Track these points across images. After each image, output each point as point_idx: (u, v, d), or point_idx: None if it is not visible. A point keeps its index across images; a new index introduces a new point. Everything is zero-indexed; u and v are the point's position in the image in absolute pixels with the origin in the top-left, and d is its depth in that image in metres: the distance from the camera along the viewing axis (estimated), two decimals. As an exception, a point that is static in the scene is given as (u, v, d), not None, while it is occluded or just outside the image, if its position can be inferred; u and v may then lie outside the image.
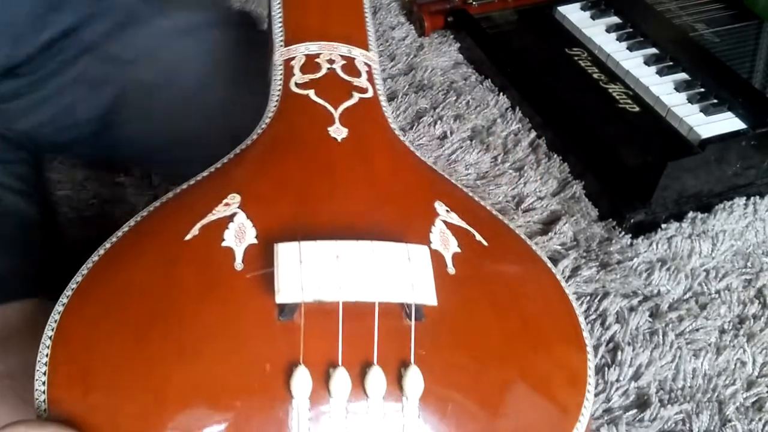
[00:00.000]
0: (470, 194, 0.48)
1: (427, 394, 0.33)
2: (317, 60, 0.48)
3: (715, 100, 0.87)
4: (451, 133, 0.94)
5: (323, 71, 0.48)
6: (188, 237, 0.37)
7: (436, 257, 0.37)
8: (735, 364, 0.69)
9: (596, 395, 0.65)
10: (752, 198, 0.85)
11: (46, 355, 0.35)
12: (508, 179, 0.88)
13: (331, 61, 0.48)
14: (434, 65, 1.06)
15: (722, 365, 0.69)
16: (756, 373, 0.69)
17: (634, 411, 0.65)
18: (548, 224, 0.83)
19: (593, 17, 1.03)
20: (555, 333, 0.41)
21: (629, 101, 0.91)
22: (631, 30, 0.99)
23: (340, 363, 0.33)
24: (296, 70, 0.48)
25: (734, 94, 0.87)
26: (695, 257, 0.78)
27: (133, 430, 0.32)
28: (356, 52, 0.50)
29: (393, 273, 0.34)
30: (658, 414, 0.64)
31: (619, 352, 0.68)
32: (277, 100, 0.47)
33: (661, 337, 0.70)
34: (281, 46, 0.49)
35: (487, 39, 1.05)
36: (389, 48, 1.09)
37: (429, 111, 0.97)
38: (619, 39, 0.99)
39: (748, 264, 0.79)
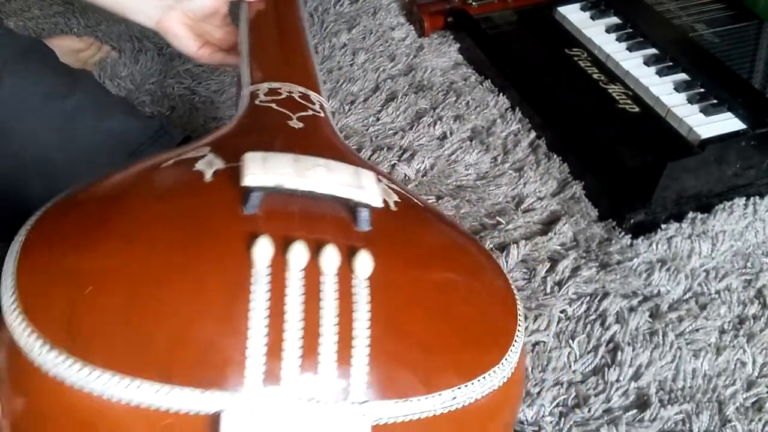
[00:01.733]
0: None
1: (376, 276, 0.37)
2: (279, 90, 0.55)
3: (715, 101, 0.87)
4: (451, 134, 0.94)
5: (283, 95, 0.54)
6: (163, 165, 0.43)
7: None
8: (735, 365, 0.69)
9: (596, 395, 0.65)
10: (752, 198, 0.85)
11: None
12: (508, 179, 0.88)
13: (289, 92, 0.55)
14: (434, 66, 1.06)
15: (722, 365, 0.69)
16: (756, 373, 0.69)
17: (634, 411, 0.65)
18: (548, 224, 0.83)
19: (593, 18, 1.03)
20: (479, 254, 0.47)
21: (629, 102, 0.91)
22: (631, 30, 0.99)
23: (297, 237, 0.36)
24: (260, 94, 0.54)
25: (734, 94, 0.87)
26: (695, 257, 0.78)
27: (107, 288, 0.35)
28: (311, 93, 0.56)
29: (345, 178, 0.39)
30: (658, 414, 0.64)
31: (619, 352, 0.68)
32: (243, 112, 0.53)
33: (661, 337, 0.70)
34: (248, 84, 0.57)
35: (487, 39, 1.05)
36: (389, 48, 1.09)
37: (429, 111, 0.98)
38: (619, 39, 0.99)
39: (748, 264, 0.79)
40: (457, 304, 0.40)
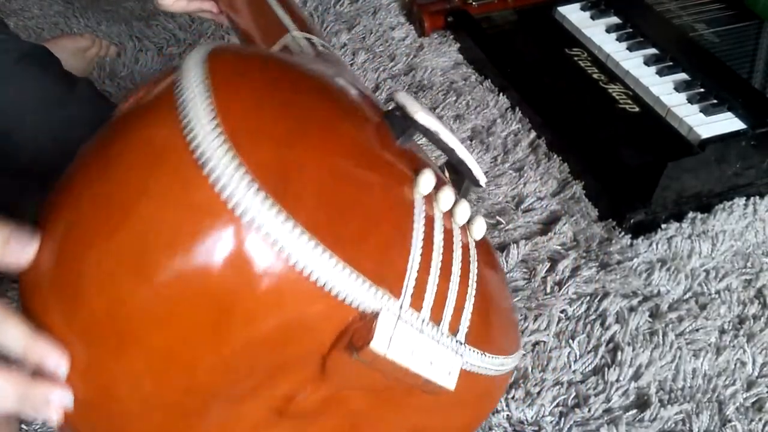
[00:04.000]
0: None
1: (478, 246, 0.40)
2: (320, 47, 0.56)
3: (715, 100, 0.87)
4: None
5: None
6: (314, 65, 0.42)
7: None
8: (735, 364, 0.69)
9: (596, 395, 0.65)
10: (752, 198, 0.85)
11: None
12: (508, 179, 0.88)
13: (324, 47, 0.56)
14: (434, 65, 1.06)
15: (722, 365, 0.69)
16: (756, 373, 0.69)
17: (634, 411, 0.65)
18: (548, 224, 0.83)
19: (593, 17, 1.03)
20: None
21: (629, 101, 0.91)
22: (631, 30, 0.99)
23: (446, 183, 0.39)
24: (317, 45, 0.55)
25: (734, 94, 0.87)
26: (695, 257, 0.78)
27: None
28: None
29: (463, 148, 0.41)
30: (658, 414, 0.64)
31: (619, 352, 0.68)
32: (313, 52, 0.53)
33: (661, 337, 0.70)
34: (295, 29, 0.57)
35: (487, 39, 1.05)
36: (389, 48, 1.09)
37: (429, 111, 0.97)
38: (619, 39, 0.99)
39: (748, 264, 0.79)
40: (506, 293, 0.45)
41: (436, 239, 0.36)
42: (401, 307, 0.34)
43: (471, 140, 0.93)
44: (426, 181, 0.36)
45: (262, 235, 0.29)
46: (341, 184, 0.33)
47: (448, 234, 0.38)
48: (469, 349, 0.38)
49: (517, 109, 0.97)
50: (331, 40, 1.09)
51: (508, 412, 0.64)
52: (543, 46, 1.02)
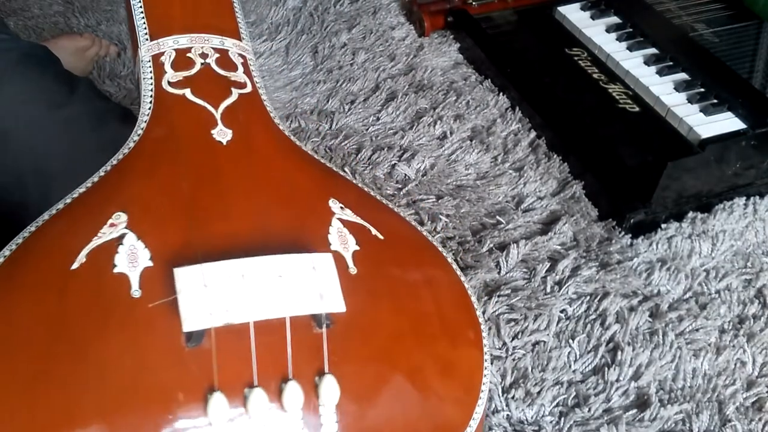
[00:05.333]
0: (359, 185, 0.46)
1: (343, 399, 0.33)
2: (189, 55, 0.45)
3: (715, 100, 0.87)
4: (451, 133, 0.94)
5: (197, 67, 0.45)
6: (75, 266, 0.35)
7: (338, 258, 0.36)
8: (735, 364, 0.69)
9: (596, 395, 0.65)
10: (752, 198, 0.85)
11: None
12: (508, 179, 0.88)
13: (204, 56, 0.45)
14: (434, 65, 1.06)
15: (722, 365, 0.69)
16: (756, 373, 0.69)
17: (634, 411, 0.65)
18: (548, 224, 0.83)
19: (593, 17, 1.03)
20: (453, 325, 0.41)
21: (629, 101, 0.91)
22: (631, 30, 0.99)
23: (256, 383, 0.31)
24: (167, 67, 0.45)
25: (734, 94, 0.87)
26: (695, 257, 0.78)
27: None
28: (229, 43, 0.47)
29: (300, 286, 0.33)
30: (658, 414, 0.64)
31: (619, 352, 0.68)
32: (150, 102, 0.43)
33: (661, 337, 0.70)
34: (147, 40, 0.46)
35: (487, 39, 1.05)
36: (389, 48, 1.09)
37: (429, 111, 0.97)
38: (619, 39, 0.99)
39: (748, 264, 0.79)
40: (409, 402, 0.37)
41: None
42: None
43: (471, 140, 0.93)
44: (216, 407, 0.31)
45: None
46: None
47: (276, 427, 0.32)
48: None
49: (517, 109, 0.97)
50: (331, 39, 1.09)
51: (508, 412, 0.64)
52: (543, 46, 1.02)
